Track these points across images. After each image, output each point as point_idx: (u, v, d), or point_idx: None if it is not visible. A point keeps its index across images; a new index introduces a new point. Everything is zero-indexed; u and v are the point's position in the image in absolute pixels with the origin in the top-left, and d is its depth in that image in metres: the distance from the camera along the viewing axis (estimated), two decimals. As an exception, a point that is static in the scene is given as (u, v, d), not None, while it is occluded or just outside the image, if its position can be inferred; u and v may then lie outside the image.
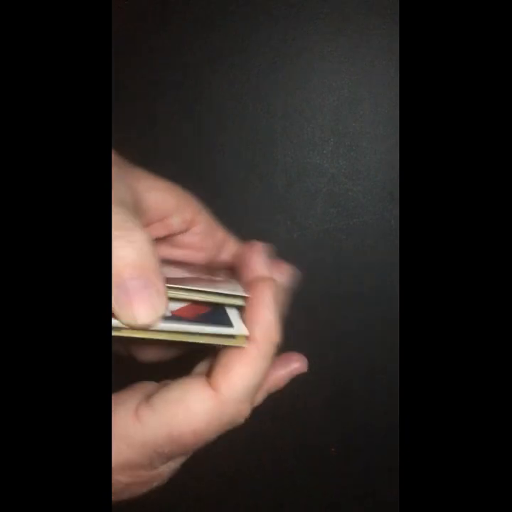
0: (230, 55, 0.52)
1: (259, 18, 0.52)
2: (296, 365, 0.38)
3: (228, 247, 0.42)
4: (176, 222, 0.39)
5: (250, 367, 0.30)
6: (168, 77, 0.53)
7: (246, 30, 0.52)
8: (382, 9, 0.51)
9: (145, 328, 0.29)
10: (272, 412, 0.54)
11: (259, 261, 0.34)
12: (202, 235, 0.41)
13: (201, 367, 0.33)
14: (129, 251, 0.29)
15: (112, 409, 0.32)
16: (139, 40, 0.52)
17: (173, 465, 0.34)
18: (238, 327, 0.30)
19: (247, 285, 0.33)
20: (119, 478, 0.31)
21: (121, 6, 0.52)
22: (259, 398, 0.35)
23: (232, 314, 0.31)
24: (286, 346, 0.54)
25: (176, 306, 0.31)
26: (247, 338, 0.30)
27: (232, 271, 0.40)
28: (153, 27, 0.52)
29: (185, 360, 0.46)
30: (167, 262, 0.40)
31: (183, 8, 0.52)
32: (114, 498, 0.33)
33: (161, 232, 0.39)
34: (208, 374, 0.30)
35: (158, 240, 0.40)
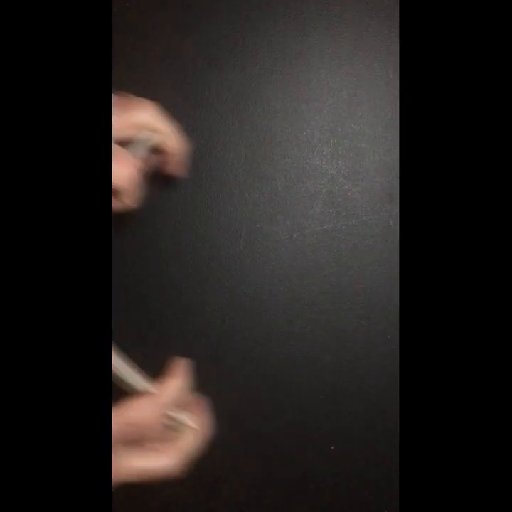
0: (230, 56, 0.53)
1: (259, 20, 0.52)
2: None
3: None
4: None
5: None
6: (168, 78, 0.53)
7: (246, 31, 0.52)
8: (382, 11, 0.52)
9: None
10: (272, 410, 0.54)
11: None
12: None
13: None
14: None
15: None
16: (139, 41, 0.52)
17: None
18: None
19: None
20: None
21: (122, 6, 0.52)
22: None
23: None
24: (286, 346, 0.54)
25: None
26: None
27: None
28: (153, 27, 0.52)
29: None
30: None
31: (183, 8, 0.52)
32: None
33: None
34: None
35: None
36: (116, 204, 0.45)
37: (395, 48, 0.52)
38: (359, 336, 0.54)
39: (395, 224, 0.53)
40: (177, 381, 0.44)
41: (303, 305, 0.54)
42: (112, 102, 0.43)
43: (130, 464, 0.41)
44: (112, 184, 0.42)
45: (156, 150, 0.47)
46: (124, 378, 0.43)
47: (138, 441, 0.42)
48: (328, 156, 0.53)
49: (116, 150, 0.42)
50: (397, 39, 0.52)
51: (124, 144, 0.46)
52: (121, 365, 0.43)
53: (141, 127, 0.44)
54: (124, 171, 0.42)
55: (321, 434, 0.54)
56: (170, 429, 0.44)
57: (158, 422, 0.42)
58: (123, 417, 0.41)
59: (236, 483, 0.55)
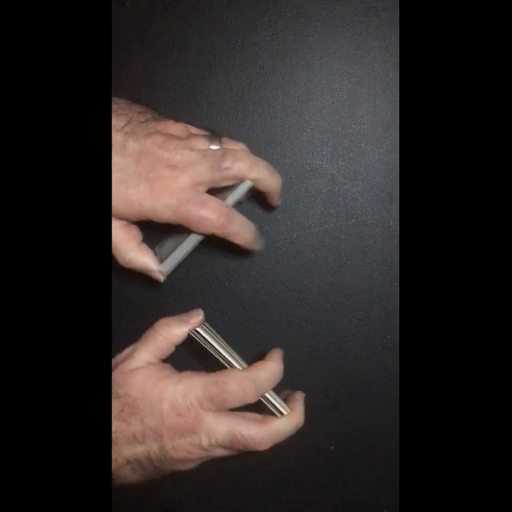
0: (230, 56, 0.53)
1: (259, 20, 0.52)
2: None
3: None
4: None
5: None
6: (168, 78, 0.53)
7: (246, 31, 0.52)
8: (382, 11, 0.52)
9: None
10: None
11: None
12: None
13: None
14: None
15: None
16: (139, 41, 0.52)
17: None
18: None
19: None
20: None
21: (122, 6, 0.52)
22: None
23: None
24: (286, 346, 0.54)
25: None
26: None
27: None
28: (154, 27, 0.52)
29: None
30: None
31: (183, 8, 0.52)
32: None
33: None
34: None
35: None
36: (242, 250, 0.46)
37: (395, 48, 0.52)
38: (359, 335, 0.54)
39: (395, 224, 0.53)
40: (274, 365, 0.45)
41: (303, 305, 0.54)
42: (113, 107, 0.43)
43: (219, 421, 0.42)
44: (209, 233, 0.43)
45: (255, 191, 0.47)
46: (223, 355, 0.45)
47: (227, 407, 0.43)
48: (328, 156, 0.53)
49: (208, 199, 0.43)
50: (397, 39, 0.52)
51: (220, 193, 0.46)
52: (220, 342, 0.45)
53: (235, 178, 0.44)
54: (215, 218, 0.43)
55: (321, 434, 0.54)
56: (265, 409, 0.45)
57: (253, 399, 0.43)
58: (219, 383, 0.42)
59: (236, 482, 0.55)
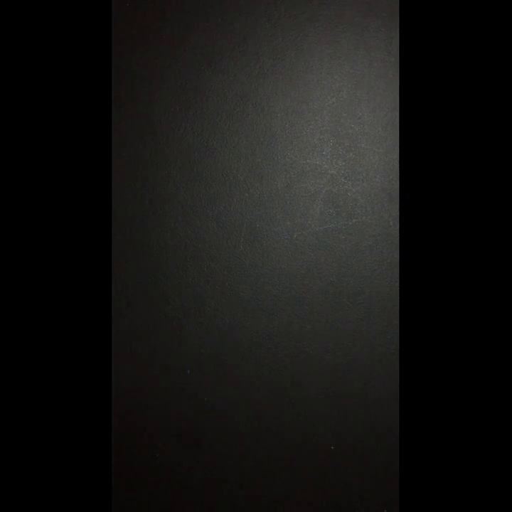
0: (230, 56, 0.53)
1: (259, 20, 0.52)
2: None
3: None
4: None
5: None
6: (168, 78, 0.53)
7: (246, 31, 0.52)
8: (381, 12, 0.52)
9: None
10: (272, 410, 0.54)
11: None
12: None
13: None
14: None
15: None
16: (139, 41, 0.52)
17: None
18: None
19: None
20: None
21: (122, 7, 0.52)
22: None
23: None
24: (286, 346, 0.54)
25: None
26: None
27: None
28: (154, 28, 0.52)
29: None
30: None
31: (183, 9, 0.52)
32: None
33: None
34: None
35: None
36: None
37: (395, 49, 0.52)
38: (359, 335, 0.54)
39: (395, 224, 0.53)
40: None
41: (303, 305, 0.54)
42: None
43: None
44: None
45: None
46: None
47: None
48: (328, 156, 0.53)
49: None
50: (397, 39, 0.52)
51: None
52: None
53: None
54: None
55: (321, 434, 0.54)
56: None
57: None
58: None
59: (235, 482, 0.55)
